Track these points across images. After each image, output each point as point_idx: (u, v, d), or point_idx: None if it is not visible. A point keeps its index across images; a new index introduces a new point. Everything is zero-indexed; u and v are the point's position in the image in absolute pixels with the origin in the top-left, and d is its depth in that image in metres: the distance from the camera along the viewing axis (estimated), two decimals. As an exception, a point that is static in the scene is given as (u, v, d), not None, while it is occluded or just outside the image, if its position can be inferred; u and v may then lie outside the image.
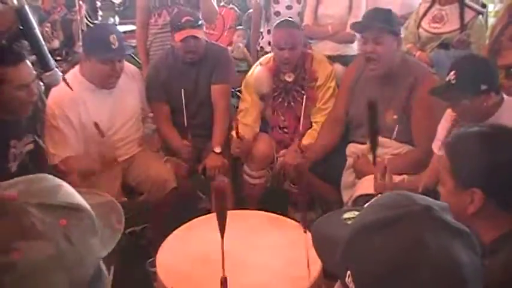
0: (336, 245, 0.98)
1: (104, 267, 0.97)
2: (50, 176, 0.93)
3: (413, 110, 2.71)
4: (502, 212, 1.35)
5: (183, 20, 3.00)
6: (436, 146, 2.47)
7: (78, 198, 0.92)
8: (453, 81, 2.19)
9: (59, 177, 2.44)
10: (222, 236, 1.62)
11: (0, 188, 0.87)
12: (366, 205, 1.03)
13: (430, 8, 3.40)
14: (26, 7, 2.24)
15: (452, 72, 2.19)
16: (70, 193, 0.91)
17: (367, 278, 0.90)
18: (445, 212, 0.93)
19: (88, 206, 0.92)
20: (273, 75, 3.16)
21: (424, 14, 3.41)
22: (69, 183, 2.39)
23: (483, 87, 2.14)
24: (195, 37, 3.01)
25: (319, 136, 3.07)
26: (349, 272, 0.93)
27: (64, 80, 2.52)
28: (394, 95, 2.74)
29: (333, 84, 3.14)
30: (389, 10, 2.78)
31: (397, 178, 2.58)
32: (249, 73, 3.29)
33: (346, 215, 1.11)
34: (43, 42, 2.37)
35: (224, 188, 1.57)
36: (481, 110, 2.15)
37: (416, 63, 2.88)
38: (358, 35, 3.55)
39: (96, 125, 2.74)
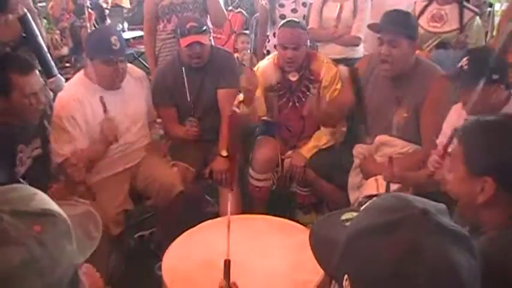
0: (333, 247, 0.98)
1: (83, 277, 0.97)
2: (26, 186, 0.94)
3: (423, 111, 2.70)
4: None
5: (188, 25, 3.02)
6: (440, 143, 2.47)
7: (53, 205, 0.92)
8: (465, 67, 2.20)
9: (65, 176, 2.43)
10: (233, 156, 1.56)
11: None
12: (362, 208, 1.03)
13: (427, 6, 3.40)
14: (28, 15, 2.27)
15: (465, 58, 2.22)
16: (45, 201, 0.92)
17: (364, 282, 0.90)
18: (443, 214, 0.92)
19: (63, 213, 0.92)
20: (278, 69, 3.16)
21: (422, 12, 3.40)
22: (76, 176, 2.40)
23: (494, 76, 2.16)
24: (200, 43, 3.03)
25: None
26: (346, 276, 0.93)
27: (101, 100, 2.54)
28: (406, 95, 2.73)
29: (338, 86, 3.13)
30: (409, 13, 2.76)
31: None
32: (255, 68, 3.30)
33: (344, 216, 1.10)
34: (46, 50, 2.41)
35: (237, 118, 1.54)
36: (488, 101, 2.16)
37: (428, 63, 2.86)
38: (363, 38, 3.58)
39: (101, 99, 2.73)
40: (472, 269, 0.89)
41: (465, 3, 3.32)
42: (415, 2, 3.51)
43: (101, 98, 2.74)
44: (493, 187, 1.31)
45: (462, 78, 2.24)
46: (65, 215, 0.92)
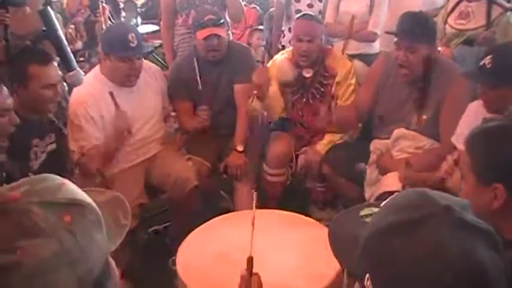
0: (353, 245, 0.96)
1: (114, 265, 0.96)
2: (53, 175, 0.92)
3: (443, 109, 2.67)
4: None
5: (206, 18, 3.01)
6: (456, 140, 2.45)
7: (81, 195, 0.91)
8: (488, 66, 2.16)
9: (80, 174, 2.46)
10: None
11: (4, 190, 0.87)
12: (382, 204, 1.01)
13: (458, 3, 3.35)
14: (49, 8, 2.28)
15: (488, 57, 2.17)
16: (73, 190, 0.90)
17: (387, 282, 0.89)
18: (466, 210, 0.90)
19: (92, 202, 0.91)
20: (294, 64, 3.13)
21: (452, 10, 3.36)
22: (89, 165, 2.41)
23: None
24: (218, 35, 3.01)
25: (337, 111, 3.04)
26: (368, 275, 0.91)
27: (111, 95, 2.55)
28: (425, 95, 2.70)
29: (353, 81, 3.11)
30: (427, 17, 2.71)
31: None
32: (270, 63, 3.27)
33: (363, 212, 1.08)
34: (66, 43, 2.43)
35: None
36: (508, 101, 2.12)
37: (448, 63, 2.83)
38: (379, 33, 3.54)
39: (111, 94, 2.75)
40: (498, 264, 0.87)
41: None
42: (448, 0, 3.47)
43: (111, 94, 2.75)
44: (504, 194, 1.29)
45: (484, 77, 2.20)
46: (94, 204, 0.91)
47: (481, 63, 2.19)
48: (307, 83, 3.16)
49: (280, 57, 3.24)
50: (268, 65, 3.30)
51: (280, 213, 2.51)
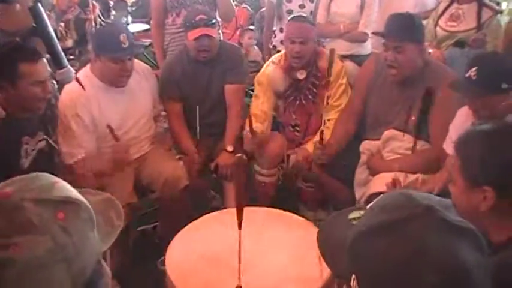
0: (341, 247, 0.97)
1: (105, 265, 0.96)
2: (46, 174, 0.93)
3: (433, 110, 2.67)
4: None
5: (197, 18, 2.99)
6: (448, 146, 2.45)
7: (74, 193, 0.91)
8: (474, 78, 2.17)
9: (72, 175, 2.45)
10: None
11: None
12: (368, 206, 1.02)
13: (448, 6, 3.38)
14: (39, 5, 2.27)
15: (473, 69, 2.18)
16: (66, 188, 0.91)
17: (371, 282, 0.90)
18: (448, 210, 0.91)
19: (85, 200, 0.92)
20: (285, 73, 3.14)
21: (443, 13, 3.39)
22: (83, 181, 2.41)
23: (504, 85, 2.12)
24: (209, 36, 3.00)
25: (334, 131, 3.04)
26: (353, 276, 0.92)
27: (77, 80, 2.54)
28: (415, 96, 2.71)
29: (344, 81, 3.12)
30: (413, 17, 2.73)
31: (411, 177, 2.57)
32: (261, 71, 3.27)
33: (351, 215, 1.10)
34: (56, 40, 2.41)
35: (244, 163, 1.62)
36: (498, 108, 2.13)
37: (438, 64, 2.84)
38: (370, 34, 3.56)
39: (109, 128, 2.75)
40: (481, 265, 0.88)
41: (485, 1, 3.28)
42: (440, 2, 3.50)
43: (109, 127, 2.74)
44: (493, 197, 1.30)
45: (471, 89, 2.21)
46: (86, 203, 0.92)
47: (467, 75, 2.20)
48: (300, 85, 3.15)
49: (270, 67, 3.21)
50: (261, 71, 3.29)
51: (270, 211, 2.50)
